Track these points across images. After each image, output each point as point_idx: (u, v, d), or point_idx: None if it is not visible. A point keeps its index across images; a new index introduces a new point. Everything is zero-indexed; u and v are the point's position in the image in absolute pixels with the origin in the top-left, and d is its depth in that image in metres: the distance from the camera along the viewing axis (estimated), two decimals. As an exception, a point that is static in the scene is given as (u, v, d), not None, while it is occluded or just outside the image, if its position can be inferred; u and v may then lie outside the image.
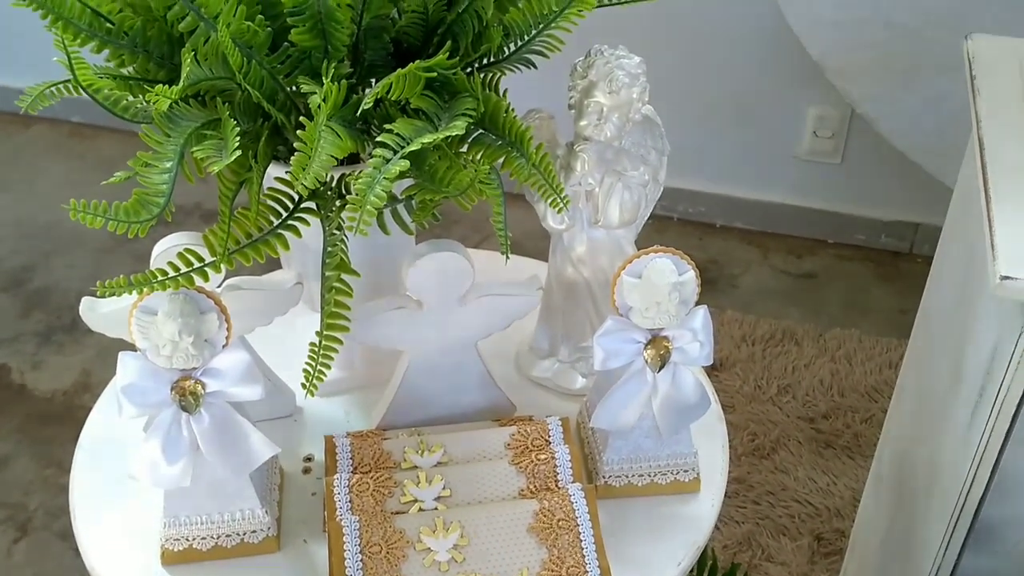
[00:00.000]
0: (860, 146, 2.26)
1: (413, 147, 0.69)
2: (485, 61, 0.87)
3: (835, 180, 2.32)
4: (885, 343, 2.12)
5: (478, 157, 0.77)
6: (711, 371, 2.08)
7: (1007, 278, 0.84)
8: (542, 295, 1.03)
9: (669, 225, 2.43)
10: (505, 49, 0.84)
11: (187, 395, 0.81)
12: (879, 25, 1.88)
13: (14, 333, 2.17)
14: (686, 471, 0.96)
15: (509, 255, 0.79)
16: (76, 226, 2.40)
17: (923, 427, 1.20)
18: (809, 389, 2.04)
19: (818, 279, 2.31)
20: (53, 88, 0.76)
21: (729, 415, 1.97)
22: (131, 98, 0.77)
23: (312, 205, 0.82)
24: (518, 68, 0.88)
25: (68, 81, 0.75)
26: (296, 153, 0.70)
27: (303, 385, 0.82)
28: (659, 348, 0.89)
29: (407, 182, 0.80)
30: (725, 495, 0.95)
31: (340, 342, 0.81)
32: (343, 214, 0.72)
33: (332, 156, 0.69)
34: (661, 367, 0.89)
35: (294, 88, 0.80)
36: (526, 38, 0.82)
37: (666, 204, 2.43)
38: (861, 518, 1.54)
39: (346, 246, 0.81)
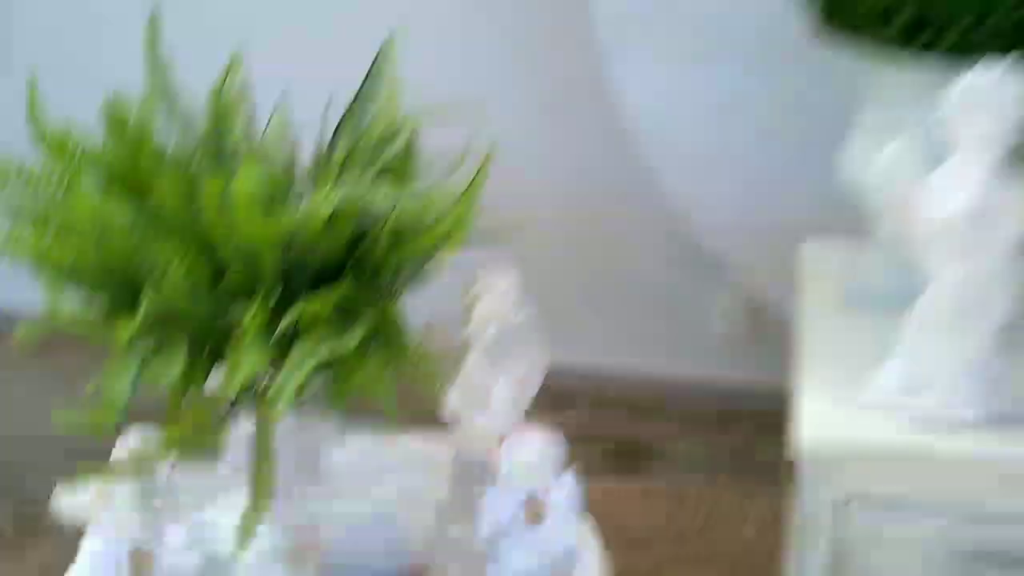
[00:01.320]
0: (774, 324, 2.49)
1: (311, 363, 0.92)
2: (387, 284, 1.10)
3: (752, 356, 2.55)
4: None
5: (374, 360, 1.00)
6: (640, 541, 2.22)
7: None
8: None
9: (602, 403, 2.63)
10: (399, 276, 1.08)
11: (141, 561, 1.00)
12: (768, 228, 2.17)
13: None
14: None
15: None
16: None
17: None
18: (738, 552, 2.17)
19: (742, 450, 2.50)
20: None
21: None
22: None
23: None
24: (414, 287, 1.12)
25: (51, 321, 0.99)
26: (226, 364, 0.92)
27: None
28: (535, 506, 1.09)
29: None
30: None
31: (266, 509, 1.00)
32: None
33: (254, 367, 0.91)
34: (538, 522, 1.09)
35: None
36: (412, 269, 1.06)
37: (599, 385, 2.64)
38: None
39: (271, 436, 1.01)
